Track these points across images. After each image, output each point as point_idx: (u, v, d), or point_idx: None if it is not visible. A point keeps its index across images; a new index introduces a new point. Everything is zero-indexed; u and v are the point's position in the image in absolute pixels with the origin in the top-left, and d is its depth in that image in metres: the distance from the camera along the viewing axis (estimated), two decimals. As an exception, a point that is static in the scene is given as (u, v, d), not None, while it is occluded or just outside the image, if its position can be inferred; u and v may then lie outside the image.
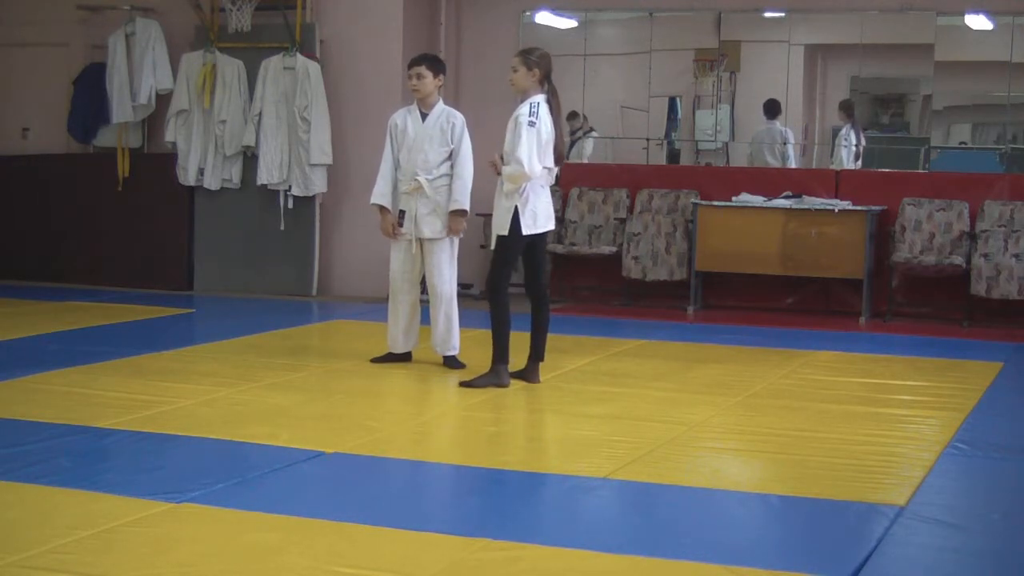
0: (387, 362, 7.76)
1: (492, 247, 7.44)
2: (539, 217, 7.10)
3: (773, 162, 11.36)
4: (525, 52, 7.17)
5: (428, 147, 7.50)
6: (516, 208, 7.00)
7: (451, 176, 7.51)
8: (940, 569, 4.31)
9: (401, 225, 7.57)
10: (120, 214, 11.53)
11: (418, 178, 7.48)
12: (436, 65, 7.62)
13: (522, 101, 7.09)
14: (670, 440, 5.92)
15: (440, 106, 7.57)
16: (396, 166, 7.62)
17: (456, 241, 7.63)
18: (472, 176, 7.54)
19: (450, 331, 7.60)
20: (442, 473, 5.48)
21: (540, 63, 7.07)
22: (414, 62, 7.62)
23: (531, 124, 6.92)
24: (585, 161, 11.74)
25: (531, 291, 7.28)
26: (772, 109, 11.27)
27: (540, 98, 7.05)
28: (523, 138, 6.90)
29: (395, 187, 7.62)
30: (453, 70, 11.62)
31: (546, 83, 7.10)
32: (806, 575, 4.12)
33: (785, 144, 11.35)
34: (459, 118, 7.56)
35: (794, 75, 11.22)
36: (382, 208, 7.65)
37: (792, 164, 11.33)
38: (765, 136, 11.40)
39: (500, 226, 7.11)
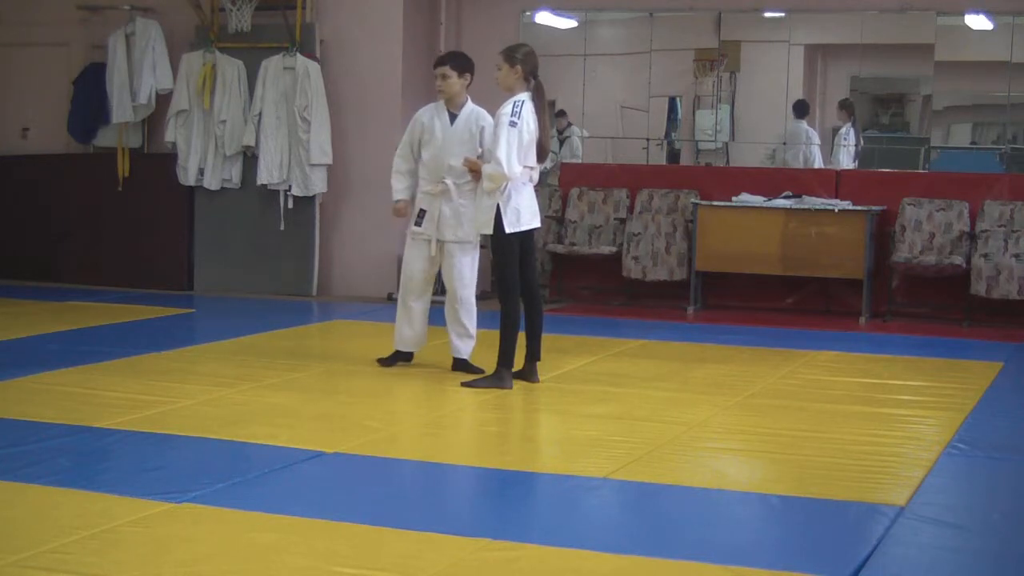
0: (395, 363, 7.67)
1: (474, 243, 7.46)
2: (522, 215, 7.08)
3: (799, 162, 11.33)
4: (509, 50, 7.14)
5: (458, 151, 7.32)
6: (498, 206, 7.00)
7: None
8: (940, 569, 4.31)
9: (419, 224, 7.44)
10: (120, 214, 11.53)
11: (446, 181, 7.35)
12: (461, 63, 7.40)
13: (507, 98, 7.08)
14: (670, 440, 5.92)
15: (468, 107, 7.39)
16: (417, 159, 7.45)
17: (478, 247, 7.48)
18: None
19: (466, 336, 7.49)
20: (442, 473, 5.47)
21: (524, 60, 7.05)
22: (438, 61, 7.48)
23: (512, 124, 6.89)
24: (580, 159, 11.74)
25: (523, 291, 7.22)
26: (801, 109, 11.25)
27: (525, 96, 7.04)
28: (503, 139, 6.88)
29: (413, 180, 7.47)
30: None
31: (532, 80, 7.08)
32: (806, 575, 4.12)
33: (811, 144, 11.33)
34: (488, 120, 7.31)
35: (794, 75, 11.22)
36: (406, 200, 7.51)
37: (817, 164, 11.31)
38: (793, 136, 11.39)
39: (483, 224, 7.09)
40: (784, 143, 11.41)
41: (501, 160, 6.87)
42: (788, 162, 11.33)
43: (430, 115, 7.44)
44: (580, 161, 11.74)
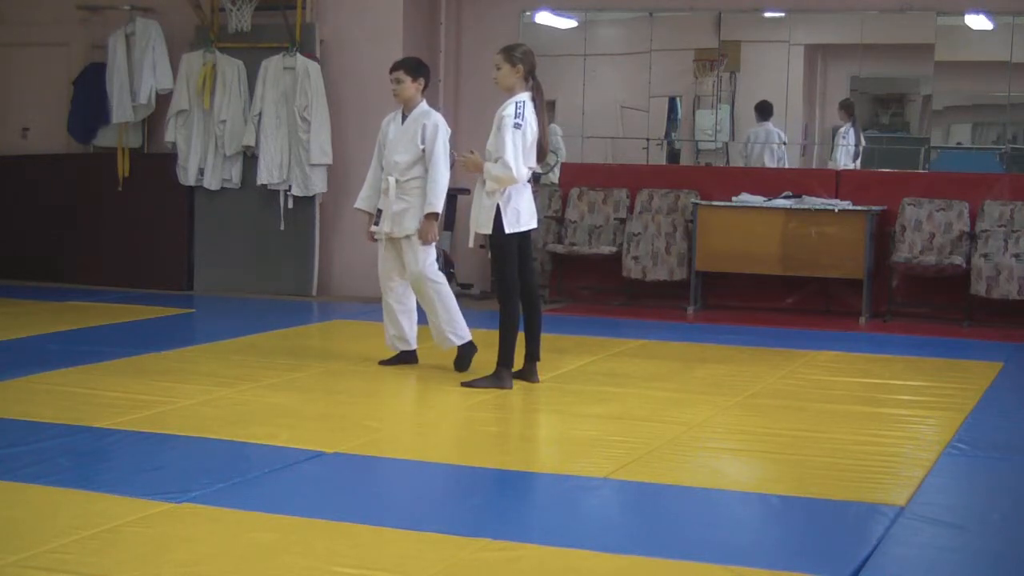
0: (395, 364, 7.71)
1: (470, 244, 7.46)
2: (522, 215, 7.08)
3: (767, 162, 11.35)
4: (508, 49, 7.15)
5: (402, 148, 7.50)
6: (498, 207, 7.00)
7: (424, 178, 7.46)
8: (940, 569, 4.31)
9: (377, 223, 7.60)
10: (120, 214, 11.53)
11: (388, 178, 7.49)
12: (415, 69, 7.60)
13: (507, 98, 7.07)
14: (670, 440, 5.92)
15: (420, 108, 7.57)
16: (382, 168, 7.67)
17: (431, 244, 7.51)
18: (446, 178, 7.47)
19: (438, 325, 7.48)
20: (442, 473, 5.47)
21: (524, 59, 7.06)
22: (393, 67, 7.65)
23: (517, 126, 6.90)
24: (564, 156, 11.70)
25: (521, 291, 7.19)
26: (764, 110, 11.27)
27: (525, 96, 7.04)
28: (508, 141, 6.87)
29: (377, 189, 7.67)
30: (453, 70, 11.64)
31: (530, 79, 7.09)
32: (806, 575, 4.12)
33: (782, 144, 11.34)
34: (432, 118, 7.52)
35: (794, 75, 11.22)
36: (367, 213, 7.73)
37: (785, 164, 11.33)
38: (757, 136, 11.40)
39: (481, 224, 7.08)
40: (749, 144, 11.42)
41: (509, 163, 6.86)
42: (763, 163, 11.33)
43: (388, 120, 7.70)
44: (564, 159, 11.69)
